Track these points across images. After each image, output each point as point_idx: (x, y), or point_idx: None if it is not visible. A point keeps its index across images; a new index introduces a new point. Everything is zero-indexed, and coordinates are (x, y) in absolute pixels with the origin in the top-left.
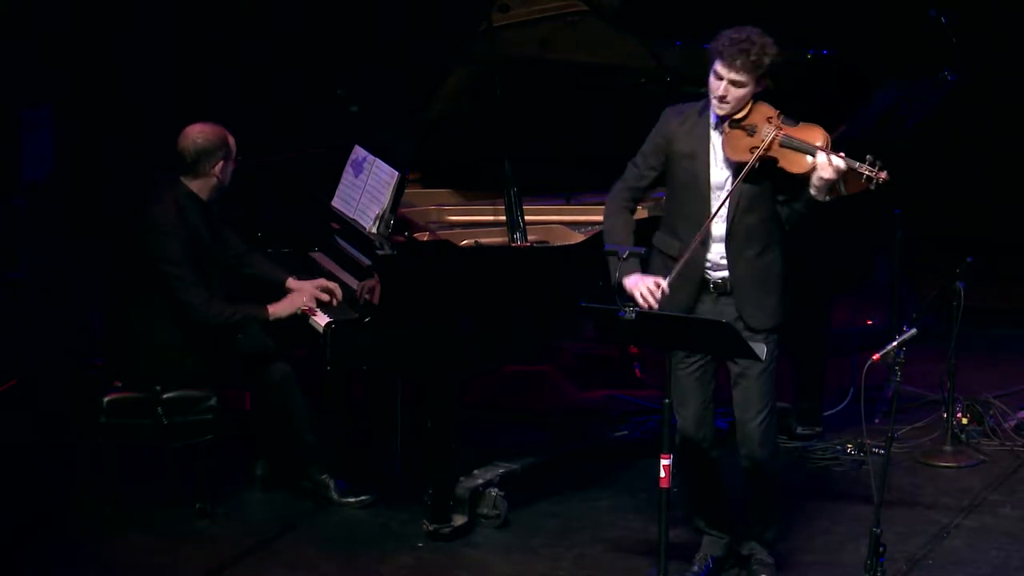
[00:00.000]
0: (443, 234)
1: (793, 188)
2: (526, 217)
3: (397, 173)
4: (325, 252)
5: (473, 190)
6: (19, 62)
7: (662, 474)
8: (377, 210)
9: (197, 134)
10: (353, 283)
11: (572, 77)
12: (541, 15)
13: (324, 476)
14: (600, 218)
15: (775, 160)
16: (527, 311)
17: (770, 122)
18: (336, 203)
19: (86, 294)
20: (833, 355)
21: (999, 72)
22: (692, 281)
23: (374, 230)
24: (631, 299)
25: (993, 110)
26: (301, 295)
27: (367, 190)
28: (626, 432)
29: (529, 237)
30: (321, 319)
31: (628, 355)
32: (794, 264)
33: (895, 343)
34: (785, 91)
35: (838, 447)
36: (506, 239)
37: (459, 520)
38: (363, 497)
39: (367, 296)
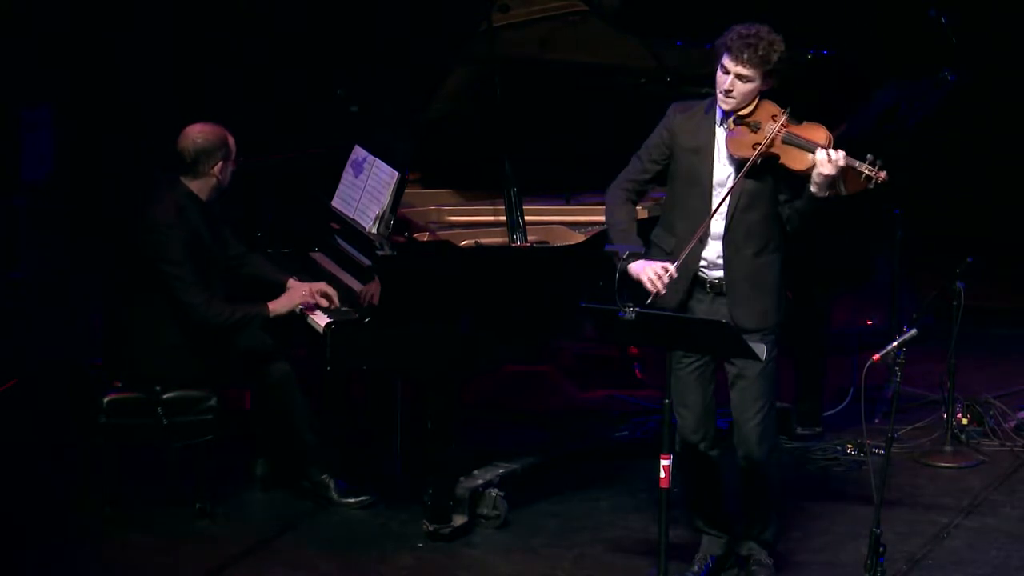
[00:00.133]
0: (443, 234)
1: (795, 187)
2: (526, 217)
3: (397, 173)
4: (325, 252)
5: (473, 190)
6: (19, 62)
7: (662, 474)
8: (377, 210)
9: (197, 134)
10: (353, 283)
11: (572, 77)
12: (541, 15)
13: (324, 476)
14: (600, 218)
15: (777, 156)
16: (527, 311)
17: (774, 119)
18: (336, 203)
19: (86, 294)
20: (833, 355)
21: (999, 72)
22: (684, 278)
23: (374, 230)
24: (638, 284)
25: (993, 110)
26: (300, 289)
27: (367, 190)
28: (626, 432)
29: (529, 237)
30: (321, 319)
31: (628, 355)
32: (794, 264)
33: (895, 343)
34: (787, 90)
35: (838, 447)
36: (506, 239)
37: (459, 520)
38: (363, 497)
39: (369, 300)
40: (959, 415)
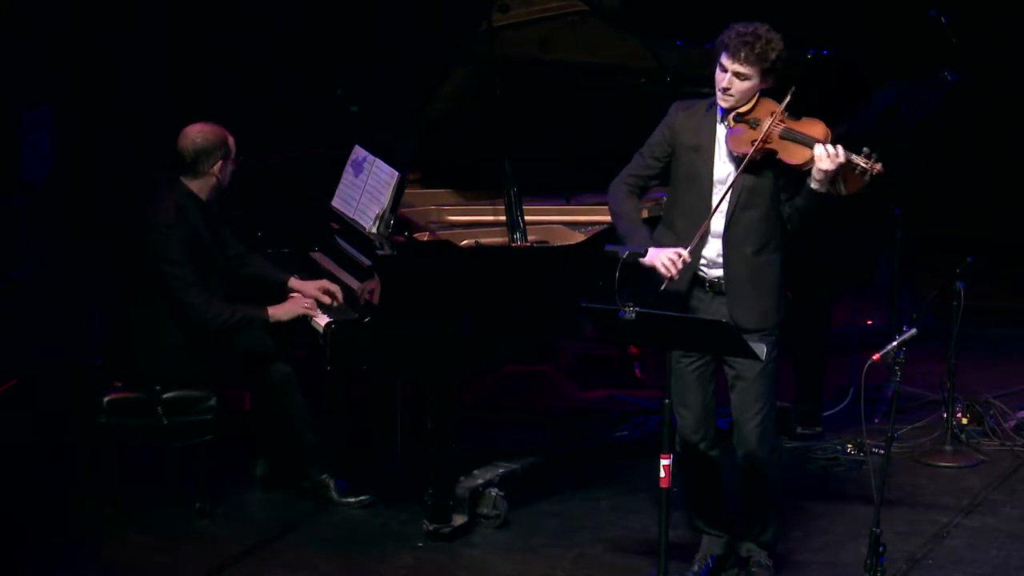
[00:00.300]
0: (443, 234)
1: (795, 184)
2: (526, 217)
3: (397, 173)
4: (325, 252)
5: (473, 190)
6: (19, 62)
7: (662, 474)
8: (377, 210)
9: (196, 134)
10: (353, 283)
11: (572, 77)
12: (541, 15)
13: (324, 476)
14: (600, 218)
15: (774, 152)
16: (527, 311)
17: (773, 116)
18: (336, 203)
19: (86, 294)
20: (833, 355)
21: (999, 72)
22: (683, 278)
23: (374, 230)
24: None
25: (993, 110)
26: (302, 300)
27: (367, 190)
28: (626, 432)
29: (529, 237)
30: (321, 319)
31: (628, 355)
32: (794, 263)
33: (895, 343)
34: (787, 88)
35: (838, 447)
36: (506, 239)
37: (459, 520)
38: (363, 497)
39: (367, 297)
40: (959, 415)
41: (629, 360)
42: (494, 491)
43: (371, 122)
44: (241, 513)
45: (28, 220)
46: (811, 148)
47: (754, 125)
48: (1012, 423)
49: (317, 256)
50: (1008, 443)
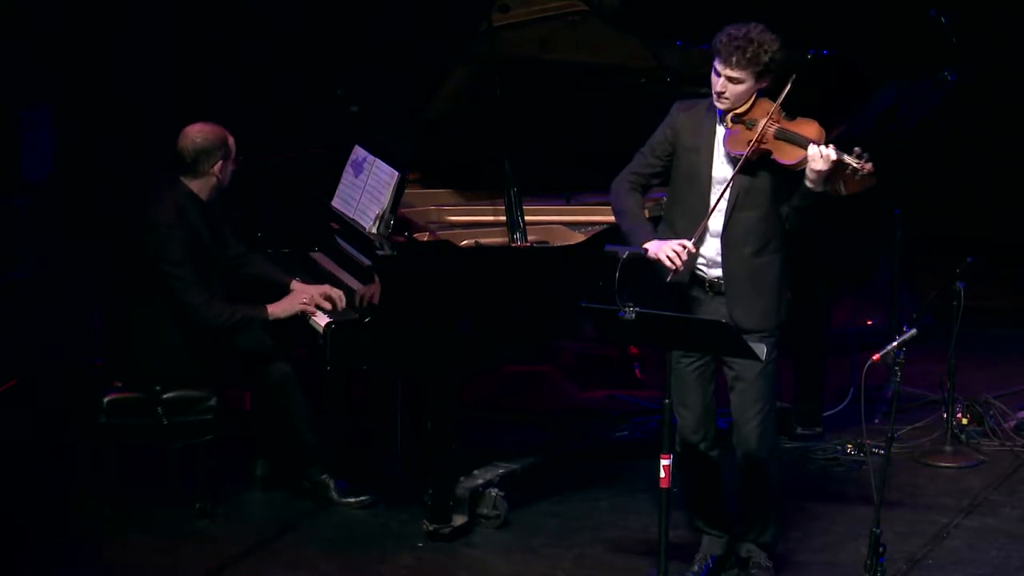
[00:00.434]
0: (443, 234)
1: (791, 184)
2: (526, 217)
3: (397, 173)
4: (325, 252)
5: (473, 190)
6: (19, 62)
7: (662, 474)
8: (377, 210)
9: (196, 134)
10: (354, 284)
11: (572, 77)
12: (541, 15)
13: (324, 476)
14: (600, 218)
15: (769, 152)
16: (527, 311)
17: (768, 116)
18: (336, 203)
19: (86, 294)
20: (833, 355)
21: (999, 72)
22: (685, 270)
23: (374, 230)
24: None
25: (993, 110)
26: (301, 295)
27: (367, 190)
28: (626, 432)
29: (529, 237)
30: (321, 319)
31: (628, 355)
32: (795, 264)
33: (895, 343)
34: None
35: (838, 447)
36: (506, 239)
37: (459, 520)
38: (363, 497)
39: (368, 300)
40: (959, 415)
41: (629, 360)
42: (494, 491)
43: (371, 122)
44: (241, 513)
45: (28, 220)
46: (805, 148)
47: (750, 126)
48: (1012, 423)
49: (317, 256)
50: (1008, 443)
